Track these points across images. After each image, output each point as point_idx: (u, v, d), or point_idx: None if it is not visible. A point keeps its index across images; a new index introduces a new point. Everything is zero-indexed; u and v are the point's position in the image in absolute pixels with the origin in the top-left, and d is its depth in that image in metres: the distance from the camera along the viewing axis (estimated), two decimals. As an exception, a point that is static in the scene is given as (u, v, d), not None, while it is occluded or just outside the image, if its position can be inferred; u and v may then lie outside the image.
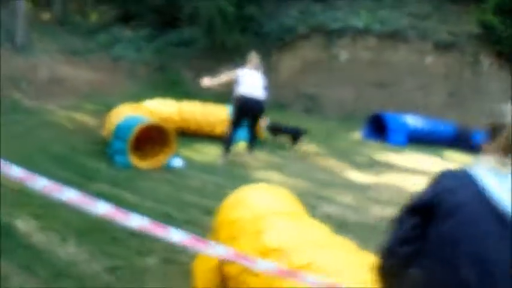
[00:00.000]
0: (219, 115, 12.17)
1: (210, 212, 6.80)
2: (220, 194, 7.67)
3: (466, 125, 16.59)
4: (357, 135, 15.68)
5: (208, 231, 6.10)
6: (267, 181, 9.04)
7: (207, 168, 9.41)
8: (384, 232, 6.43)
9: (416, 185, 10.13)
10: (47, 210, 6.10)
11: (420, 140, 15.49)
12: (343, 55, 18.83)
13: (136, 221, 3.06)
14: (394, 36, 18.65)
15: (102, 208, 2.98)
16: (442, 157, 14.03)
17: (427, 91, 18.42)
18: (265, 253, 3.86)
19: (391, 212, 8.00)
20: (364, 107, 18.37)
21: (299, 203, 5.05)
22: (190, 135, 11.68)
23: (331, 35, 18.89)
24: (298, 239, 3.98)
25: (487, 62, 18.41)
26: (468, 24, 18.68)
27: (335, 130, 16.01)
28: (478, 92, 17.61)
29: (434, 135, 15.92)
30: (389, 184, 10.20)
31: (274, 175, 9.66)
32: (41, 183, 2.78)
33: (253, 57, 10.33)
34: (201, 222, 6.52)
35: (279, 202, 4.77)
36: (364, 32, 18.75)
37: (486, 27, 17.93)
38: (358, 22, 18.81)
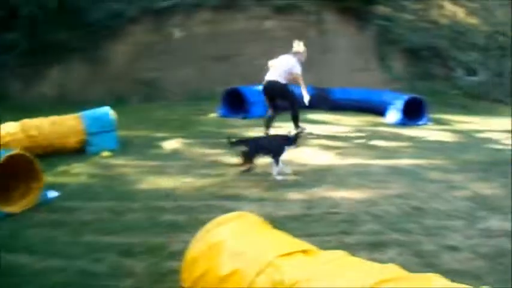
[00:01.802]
0: (70, 125, 10.39)
1: (127, 252, 5.46)
2: (122, 223, 6.42)
3: (319, 84, 16.27)
4: (213, 115, 14.60)
5: (143, 281, 4.81)
6: (156, 189, 7.92)
7: (86, 193, 7.73)
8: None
9: (316, 156, 9.94)
10: None
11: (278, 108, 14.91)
12: (177, 33, 17.57)
13: None
14: (230, 6, 17.76)
15: None
16: (309, 121, 13.71)
17: (272, 57, 17.73)
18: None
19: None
20: (209, 84, 17.58)
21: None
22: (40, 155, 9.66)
23: (161, 14, 17.47)
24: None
25: (331, 19, 18.29)
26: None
27: (188, 115, 14.90)
28: (325, 51, 17.51)
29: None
30: (291, 161, 9.48)
31: (157, 180, 8.42)
32: None
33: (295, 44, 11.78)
34: (127, 269, 5.10)
35: (268, 237, 3.66)
36: (198, 6, 17.60)
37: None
38: (190, -4, 17.64)
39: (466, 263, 5.23)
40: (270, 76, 11.65)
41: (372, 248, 5.60)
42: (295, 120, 11.80)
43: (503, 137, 12.74)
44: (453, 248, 5.60)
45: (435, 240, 5.85)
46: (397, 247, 5.64)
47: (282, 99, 11.78)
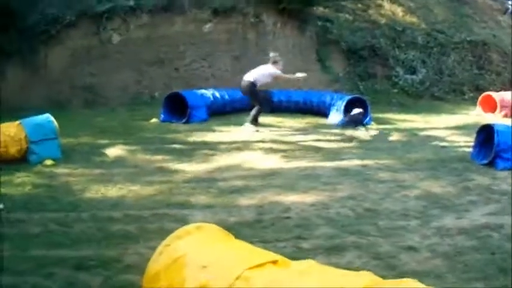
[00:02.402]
0: (9, 132, 9.94)
1: (80, 265, 5.25)
2: (72, 235, 6.18)
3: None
4: (155, 120, 14.31)
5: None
6: (104, 198, 7.66)
7: (31, 204, 7.36)
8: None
9: (262, 160, 9.86)
10: None
11: (220, 112, 15.04)
12: (116, 38, 17.18)
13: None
14: (168, 9, 17.50)
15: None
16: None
17: (212, 60, 17.79)
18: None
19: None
20: (149, 89, 17.33)
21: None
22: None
23: (99, 18, 17.00)
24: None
25: (270, 21, 18.26)
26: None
27: (129, 121, 14.58)
28: (264, 52, 17.24)
29: (234, 104, 15.44)
30: (237, 166, 9.59)
31: (103, 189, 8.11)
32: None
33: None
34: (82, 284, 4.89)
35: (233, 248, 3.53)
36: (136, 9, 17.24)
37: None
38: (128, 0, 17.26)
39: (425, 263, 5.24)
40: (245, 76, 13.28)
41: (330, 252, 5.54)
42: (255, 118, 13.17)
43: (446, 135, 12.95)
44: (411, 249, 5.63)
45: (392, 241, 5.85)
46: (354, 250, 5.60)
47: (250, 97, 13.48)
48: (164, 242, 3.57)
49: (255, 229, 6.32)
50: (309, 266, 3.11)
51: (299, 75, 13.64)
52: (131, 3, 17.22)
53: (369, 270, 3.25)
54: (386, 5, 22.32)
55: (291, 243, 5.81)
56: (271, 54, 13.54)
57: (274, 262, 3.15)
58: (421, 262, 5.26)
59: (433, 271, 5.05)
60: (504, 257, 5.41)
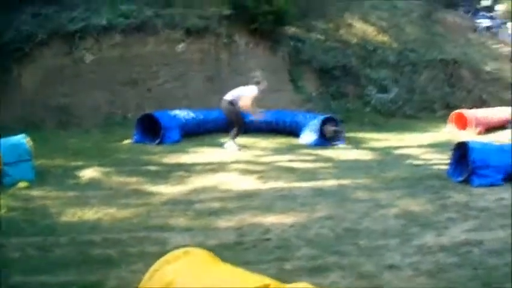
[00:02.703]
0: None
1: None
2: (51, 260, 6.08)
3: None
4: (128, 141, 14.16)
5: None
6: (81, 221, 7.58)
7: (8, 228, 7.14)
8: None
9: (238, 181, 9.83)
10: None
11: (193, 133, 14.91)
12: (88, 57, 17.02)
13: None
14: (141, 28, 17.42)
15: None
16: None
17: (185, 80, 17.71)
18: None
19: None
20: (121, 109, 17.13)
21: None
22: None
23: (72, 37, 16.83)
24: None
25: (242, 41, 18.33)
26: (219, 6, 18.72)
27: (102, 142, 14.43)
28: (236, 72, 17.44)
29: (207, 125, 15.39)
30: (214, 187, 9.55)
31: (80, 212, 8.00)
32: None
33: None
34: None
35: (223, 273, 3.43)
36: (108, 29, 17.10)
37: (237, 7, 18.25)
38: (100, 19, 17.10)
39: (409, 281, 5.29)
40: (225, 96, 13.29)
41: (313, 273, 5.56)
42: (235, 136, 13.28)
43: (420, 152, 13.06)
44: (394, 267, 5.67)
45: (374, 260, 5.89)
46: (338, 270, 5.62)
47: (228, 116, 13.49)
48: (153, 267, 3.51)
49: (236, 251, 6.31)
50: (303, 289, 3.08)
51: (258, 115, 13.70)
52: (104, 22, 17.05)
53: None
54: (358, 25, 22.59)
55: (273, 265, 5.80)
56: (255, 74, 13.67)
57: (267, 286, 3.12)
58: (405, 280, 5.31)
59: (417, 289, 5.09)
60: (486, 272, 5.50)
